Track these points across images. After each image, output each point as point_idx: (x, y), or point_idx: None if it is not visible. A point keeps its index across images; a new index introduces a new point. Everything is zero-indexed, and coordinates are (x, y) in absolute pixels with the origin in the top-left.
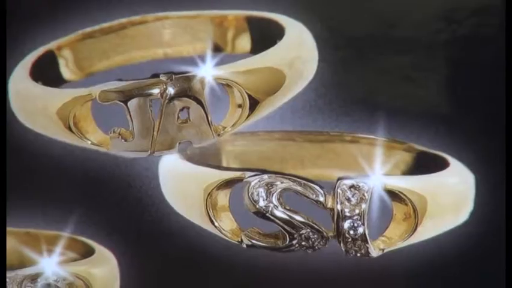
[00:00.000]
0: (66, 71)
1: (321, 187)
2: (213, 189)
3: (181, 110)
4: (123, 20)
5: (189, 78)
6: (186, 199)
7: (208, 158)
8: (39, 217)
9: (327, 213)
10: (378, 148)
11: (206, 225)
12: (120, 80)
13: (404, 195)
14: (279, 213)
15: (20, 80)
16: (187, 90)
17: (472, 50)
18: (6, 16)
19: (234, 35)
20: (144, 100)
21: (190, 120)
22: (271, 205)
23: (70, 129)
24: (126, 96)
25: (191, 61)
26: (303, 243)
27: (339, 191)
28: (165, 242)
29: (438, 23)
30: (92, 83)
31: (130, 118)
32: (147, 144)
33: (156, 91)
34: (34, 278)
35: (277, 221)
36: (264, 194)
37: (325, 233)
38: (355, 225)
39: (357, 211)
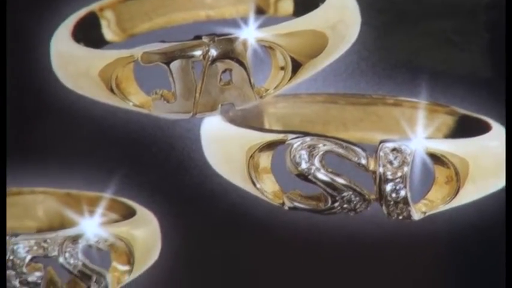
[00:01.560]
0: (108, 33)
1: (363, 150)
2: (255, 151)
3: (224, 72)
4: None
5: (232, 40)
6: (228, 161)
7: (250, 120)
8: (80, 178)
9: (369, 176)
10: (420, 111)
11: (248, 187)
12: (163, 41)
13: (447, 158)
14: (321, 175)
15: (62, 41)
16: (230, 52)
17: None
18: (6, 15)
19: None
20: (186, 62)
21: (232, 82)
22: (314, 167)
23: (112, 90)
24: (168, 57)
25: (233, 23)
26: (345, 205)
27: (381, 153)
28: (206, 204)
29: None
30: (134, 45)
31: (173, 80)
32: (189, 106)
33: (198, 53)
34: (75, 239)
35: (319, 183)
36: (306, 156)
37: (367, 196)
38: (397, 188)
39: (399, 174)
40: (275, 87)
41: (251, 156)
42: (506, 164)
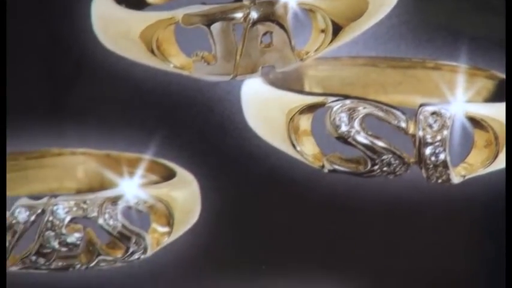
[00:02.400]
0: None
1: (403, 113)
2: (295, 113)
3: (264, 34)
4: None
5: (272, 3)
6: (268, 123)
7: (290, 83)
8: (120, 140)
9: (409, 139)
10: (460, 75)
11: (288, 150)
12: (204, 3)
13: (486, 122)
14: (361, 138)
15: (103, 3)
16: (271, 15)
17: None
18: (6, 14)
19: None
20: (227, 24)
21: (273, 45)
22: (353, 130)
23: (153, 52)
24: (209, 20)
25: None
26: (384, 168)
27: (420, 117)
28: (246, 166)
29: None
30: (175, 7)
31: (213, 42)
32: (230, 68)
33: (239, 15)
34: (114, 200)
35: (358, 146)
36: (346, 119)
37: (406, 159)
38: (437, 151)
39: (439, 137)
40: (315, 50)
41: (291, 118)
42: (506, 165)
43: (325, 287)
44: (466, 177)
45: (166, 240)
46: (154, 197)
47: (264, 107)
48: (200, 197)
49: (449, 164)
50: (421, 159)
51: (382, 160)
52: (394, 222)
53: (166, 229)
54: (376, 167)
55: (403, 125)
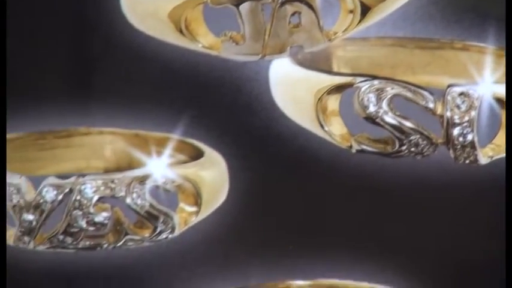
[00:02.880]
0: None
1: (431, 93)
2: (323, 94)
3: (293, 14)
4: None
5: None
6: (297, 103)
7: (319, 63)
8: (148, 119)
9: (436, 120)
10: (488, 56)
11: (316, 130)
12: None
13: None
14: (389, 118)
15: None
16: None
17: None
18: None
19: None
20: (255, 4)
21: (301, 25)
22: (381, 110)
23: (181, 32)
24: (238, 0)
25: None
26: (412, 149)
27: (448, 98)
28: (274, 146)
29: None
30: None
31: (242, 22)
32: (258, 48)
33: None
34: (142, 180)
35: (386, 126)
36: (374, 100)
37: (434, 140)
38: (465, 132)
39: (467, 118)
40: (344, 30)
41: (319, 98)
42: (506, 164)
43: (353, 268)
44: (494, 158)
45: (194, 220)
46: (182, 176)
47: (292, 87)
48: (228, 176)
49: (477, 144)
50: (448, 140)
51: (410, 141)
52: (422, 203)
53: (194, 209)
54: (404, 148)
55: (431, 105)
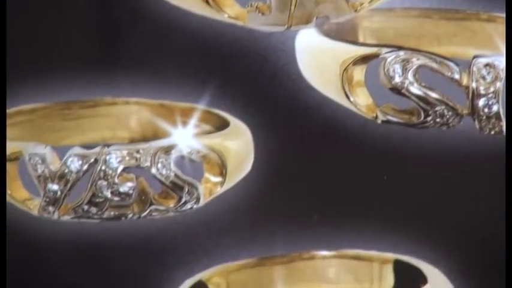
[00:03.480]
0: None
1: (457, 64)
2: (349, 64)
3: None
4: None
5: None
6: (322, 74)
7: (344, 34)
8: (174, 89)
9: (462, 91)
10: None
11: (341, 100)
12: None
13: None
14: (415, 89)
15: None
16: None
17: None
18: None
19: None
20: None
21: None
22: (407, 81)
23: (207, 2)
24: None
25: None
26: (438, 120)
27: (474, 69)
28: (300, 116)
29: None
30: None
31: None
32: (284, 18)
33: None
34: (168, 150)
35: (412, 97)
36: (399, 70)
37: (459, 111)
38: (490, 103)
39: (492, 89)
40: (370, 1)
41: (345, 69)
42: (506, 164)
43: (377, 238)
44: None
45: (219, 190)
46: (207, 146)
47: (317, 58)
48: (253, 147)
49: (502, 115)
50: (474, 111)
51: (436, 111)
52: (447, 173)
53: (219, 179)
54: (429, 118)
55: (456, 76)
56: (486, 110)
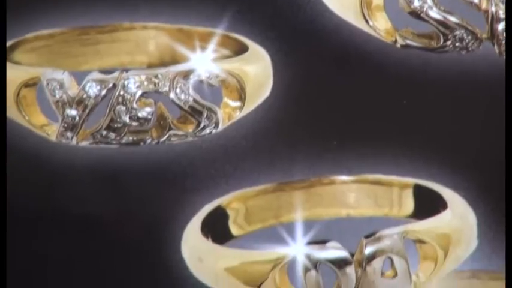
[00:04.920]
0: None
1: None
2: None
3: None
4: None
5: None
6: None
7: None
8: (192, 14)
9: (481, 15)
10: None
11: (360, 25)
12: None
13: None
14: (434, 13)
15: None
16: None
17: None
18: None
19: None
20: None
21: None
22: (426, 5)
23: None
24: None
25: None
26: (457, 44)
27: None
28: (318, 40)
29: None
30: None
31: None
32: None
33: None
34: (186, 74)
35: (431, 21)
36: None
37: (479, 35)
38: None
39: None
40: None
41: None
42: (506, 164)
43: (397, 163)
44: None
45: (238, 115)
46: (226, 71)
47: None
48: (272, 71)
49: None
50: (493, 35)
51: (455, 35)
52: (466, 98)
53: (238, 104)
54: (448, 43)
55: (475, 0)
56: (505, 34)
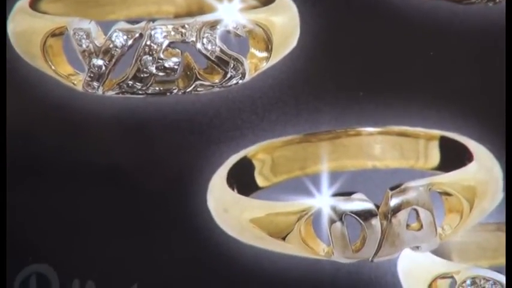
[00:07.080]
0: None
1: None
2: None
3: None
4: None
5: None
6: None
7: None
8: None
9: None
10: None
11: None
12: None
13: None
14: None
15: None
16: None
17: None
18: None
19: None
20: None
21: None
22: None
23: None
24: None
25: None
26: None
27: None
28: None
29: None
30: None
31: None
32: None
33: None
34: (213, 25)
35: None
36: None
37: None
38: None
39: None
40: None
41: None
42: (506, 164)
43: (423, 115)
44: None
45: (265, 66)
46: (253, 21)
47: None
48: (299, 22)
49: None
50: None
51: None
52: (494, 49)
53: (264, 54)
54: None
55: None
56: None
